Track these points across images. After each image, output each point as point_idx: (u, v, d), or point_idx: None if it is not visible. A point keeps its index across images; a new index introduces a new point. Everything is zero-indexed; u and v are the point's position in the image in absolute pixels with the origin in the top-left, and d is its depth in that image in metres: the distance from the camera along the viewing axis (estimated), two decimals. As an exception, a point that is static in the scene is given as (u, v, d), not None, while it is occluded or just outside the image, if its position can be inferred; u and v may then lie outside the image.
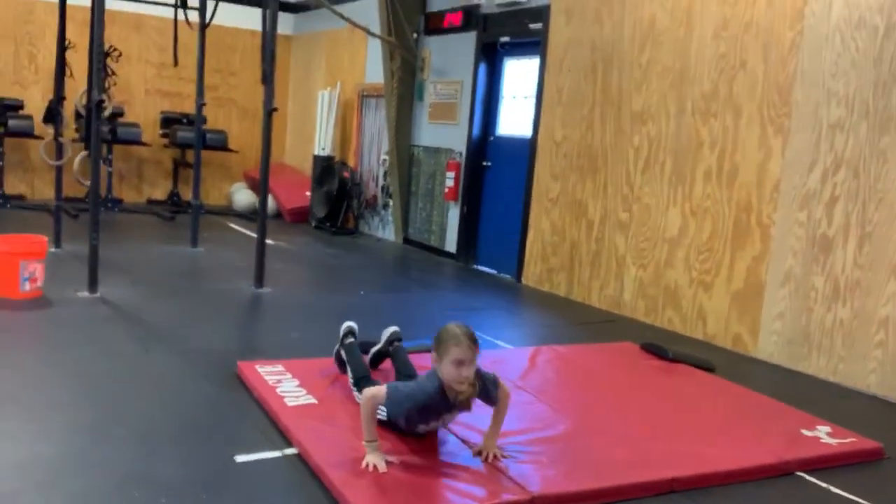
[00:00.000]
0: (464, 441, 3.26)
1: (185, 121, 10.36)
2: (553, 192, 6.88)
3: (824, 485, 3.28)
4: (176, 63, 7.46)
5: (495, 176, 7.87)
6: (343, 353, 3.88)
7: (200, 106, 7.31)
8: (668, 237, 5.80)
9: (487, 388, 3.08)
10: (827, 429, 3.78)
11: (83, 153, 6.33)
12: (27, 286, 5.17)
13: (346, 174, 9.52)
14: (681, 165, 5.71)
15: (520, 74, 7.59)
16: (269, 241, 8.33)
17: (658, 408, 3.95)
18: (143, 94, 10.75)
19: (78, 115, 8.21)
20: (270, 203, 10.61)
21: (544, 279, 6.99)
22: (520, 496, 2.82)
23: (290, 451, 3.13)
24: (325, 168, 9.71)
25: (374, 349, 4.02)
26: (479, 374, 3.03)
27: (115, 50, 7.66)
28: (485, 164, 7.96)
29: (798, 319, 4.95)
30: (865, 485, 3.30)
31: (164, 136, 10.51)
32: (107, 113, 6.74)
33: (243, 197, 10.74)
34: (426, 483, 2.87)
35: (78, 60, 7.01)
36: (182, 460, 2.99)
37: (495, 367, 4.31)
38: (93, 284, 5.39)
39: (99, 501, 2.64)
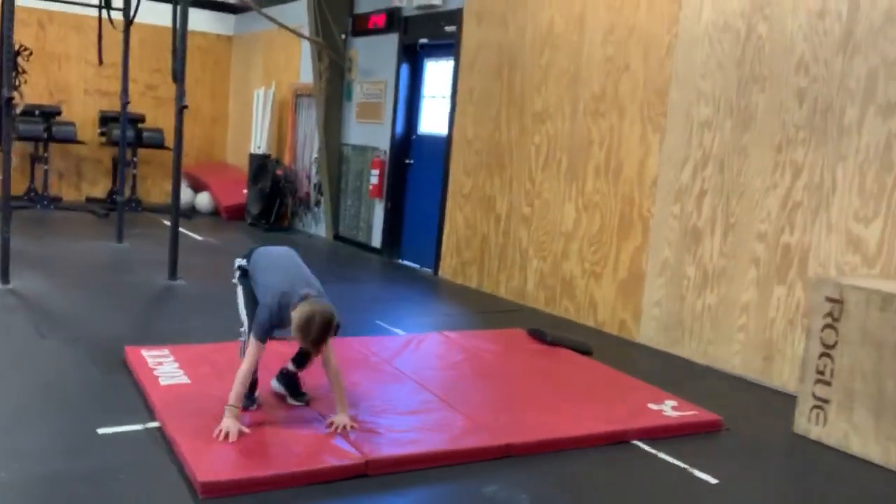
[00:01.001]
0: (322, 414, 3.51)
1: (122, 119, 10.47)
2: (466, 187, 7.15)
3: (653, 451, 3.57)
4: (101, 62, 7.62)
5: (417, 173, 8.12)
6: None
7: (125, 104, 7.50)
8: (564, 230, 6.10)
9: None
10: (673, 402, 4.08)
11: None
12: (-64, 278, 5.33)
13: (279, 172, 9.72)
14: (574, 162, 6.01)
15: (438, 75, 7.86)
16: (197, 238, 8.59)
17: (520, 384, 4.23)
18: (82, 94, 10.86)
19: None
20: (208, 200, 10.80)
21: (458, 272, 7.26)
22: (355, 460, 3.07)
23: (153, 424, 3.36)
24: (260, 166, 9.91)
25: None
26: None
27: (25, 49, 7.83)
28: (407, 161, 8.21)
29: (673, 306, 5.26)
30: (693, 452, 3.60)
31: (103, 134, 10.64)
32: (18, 110, 6.89)
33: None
34: (273, 451, 3.11)
35: None
36: (47, 433, 3.21)
37: (380, 351, 4.60)
38: (4, 276, 5.56)
39: (-44, 467, 2.85)
